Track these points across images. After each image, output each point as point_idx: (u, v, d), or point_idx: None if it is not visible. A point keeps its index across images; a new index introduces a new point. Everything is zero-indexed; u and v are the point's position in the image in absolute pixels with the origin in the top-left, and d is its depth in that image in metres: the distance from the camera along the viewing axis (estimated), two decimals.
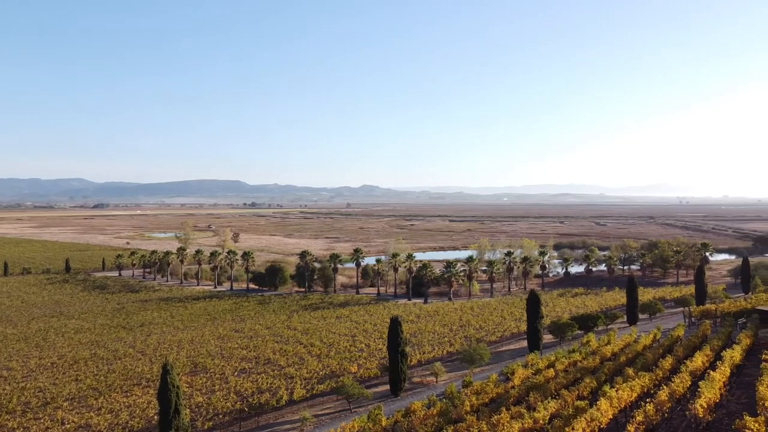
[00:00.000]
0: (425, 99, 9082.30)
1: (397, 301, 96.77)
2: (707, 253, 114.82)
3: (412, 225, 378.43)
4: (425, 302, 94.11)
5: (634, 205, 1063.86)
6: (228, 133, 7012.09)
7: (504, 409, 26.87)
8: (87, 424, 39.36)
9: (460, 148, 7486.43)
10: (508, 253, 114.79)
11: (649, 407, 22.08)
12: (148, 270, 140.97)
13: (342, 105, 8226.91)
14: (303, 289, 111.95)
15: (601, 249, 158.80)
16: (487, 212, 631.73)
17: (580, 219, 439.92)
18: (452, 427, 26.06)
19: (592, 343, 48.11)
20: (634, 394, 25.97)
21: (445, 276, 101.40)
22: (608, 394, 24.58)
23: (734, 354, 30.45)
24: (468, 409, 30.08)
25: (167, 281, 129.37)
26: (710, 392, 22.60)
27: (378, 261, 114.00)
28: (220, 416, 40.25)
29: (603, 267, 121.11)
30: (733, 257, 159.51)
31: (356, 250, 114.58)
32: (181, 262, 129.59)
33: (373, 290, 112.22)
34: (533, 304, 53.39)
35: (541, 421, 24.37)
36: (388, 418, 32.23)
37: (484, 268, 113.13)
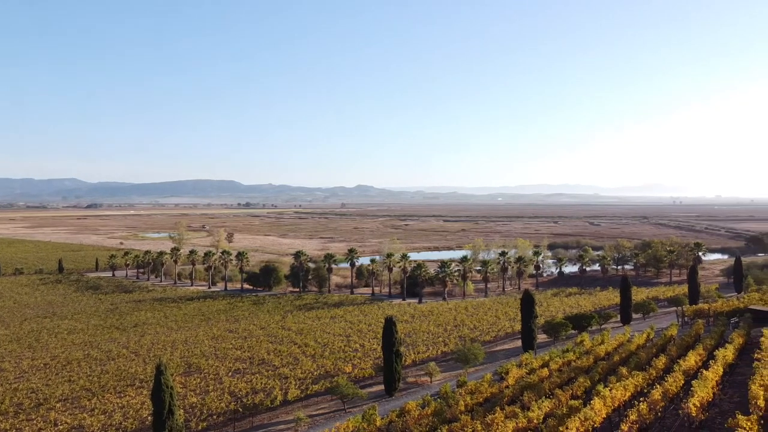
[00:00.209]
0: (421, 100, 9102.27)
1: (392, 301, 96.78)
2: (700, 253, 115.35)
3: (406, 225, 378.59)
4: (420, 302, 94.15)
5: (628, 205, 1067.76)
6: (222, 133, 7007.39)
7: (498, 409, 26.90)
8: (80, 425, 39.15)
9: (455, 149, 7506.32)
10: (503, 253, 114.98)
11: (643, 406, 22.15)
12: (141, 270, 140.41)
13: (338, 106, 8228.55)
14: (297, 290, 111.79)
15: (595, 249, 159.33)
16: (482, 212, 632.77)
17: (574, 219, 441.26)
18: (447, 427, 26.08)
19: (586, 343, 48.24)
20: (628, 394, 26.05)
21: (440, 276, 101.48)
22: (602, 393, 24.64)
23: (727, 353, 30.59)
24: (462, 408, 30.10)
25: (161, 281, 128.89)
26: (703, 391, 22.69)
27: (372, 261, 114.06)
28: (214, 417, 40.12)
29: (597, 267, 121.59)
30: (725, 257, 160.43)
31: (351, 250, 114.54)
32: (175, 262, 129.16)
33: (367, 290, 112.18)
34: (527, 303, 53.48)
35: (535, 421, 24.41)
36: (382, 418, 32.20)
37: (478, 268, 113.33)
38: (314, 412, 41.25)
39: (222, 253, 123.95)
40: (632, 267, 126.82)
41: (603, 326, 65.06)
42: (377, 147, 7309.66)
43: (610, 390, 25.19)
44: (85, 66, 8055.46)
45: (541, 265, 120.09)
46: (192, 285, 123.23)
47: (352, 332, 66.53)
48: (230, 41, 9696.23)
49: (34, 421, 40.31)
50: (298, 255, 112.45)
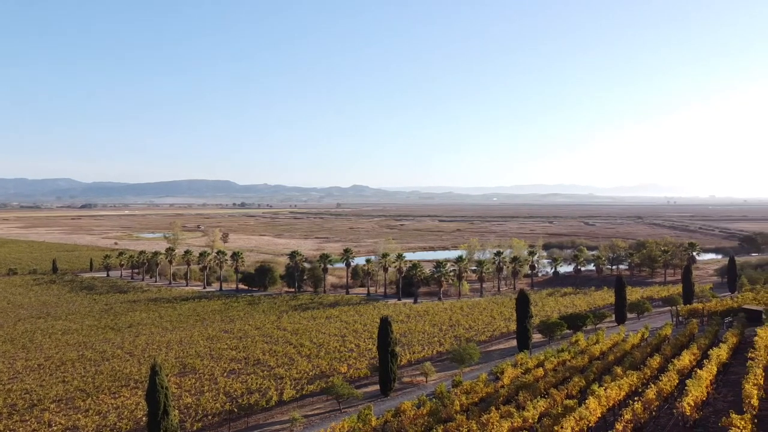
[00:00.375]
0: (417, 100, 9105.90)
1: (387, 301, 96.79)
2: (694, 253, 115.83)
3: (402, 225, 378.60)
4: (415, 302, 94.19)
5: (622, 205, 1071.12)
6: (218, 133, 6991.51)
7: (494, 409, 26.97)
8: (74, 426, 39.00)
9: (451, 149, 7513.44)
10: (498, 253, 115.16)
11: (637, 406, 22.23)
12: (136, 270, 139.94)
13: (334, 106, 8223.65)
14: (293, 290, 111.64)
15: (590, 249, 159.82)
16: (477, 212, 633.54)
17: (569, 219, 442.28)
18: (442, 427, 26.10)
19: (581, 343, 48.40)
20: (623, 393, 26.15)
21: (435, 276, 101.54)
22: (597, 392, 24.73)
23: (721, 353, 30.73)
24: (458, 408, 30.15)
25: (156, 282, 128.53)
26: (697, 390, 22.79)
27: (368, 261, 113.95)
28: (210, 417, 40.03)
29: (592, 267, 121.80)
30: (719, 257, 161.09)
31: (346, 250, 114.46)
32: (170, 262, 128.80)
33: (363, 290, 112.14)
34: (522, 303, 53.61)
35: (530, 420, 24.48)
36: (378, 418, 32.23)
37: (473, 267, 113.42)
38: (310, 413, 41.23)
39: (217, 253, 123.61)
40: (627, 267, 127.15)
41: (598, 326, 65.25)
42: (373, 147, 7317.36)
43: (605, 389, 25.29)
44: (80, 66, 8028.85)
45: (536, 265, 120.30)
46: (187, 285, 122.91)
47: (347, 332, 66.52)
48: (225, 41, 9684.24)
49: (28, 422, 40.14)
50: (293, 255, 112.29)
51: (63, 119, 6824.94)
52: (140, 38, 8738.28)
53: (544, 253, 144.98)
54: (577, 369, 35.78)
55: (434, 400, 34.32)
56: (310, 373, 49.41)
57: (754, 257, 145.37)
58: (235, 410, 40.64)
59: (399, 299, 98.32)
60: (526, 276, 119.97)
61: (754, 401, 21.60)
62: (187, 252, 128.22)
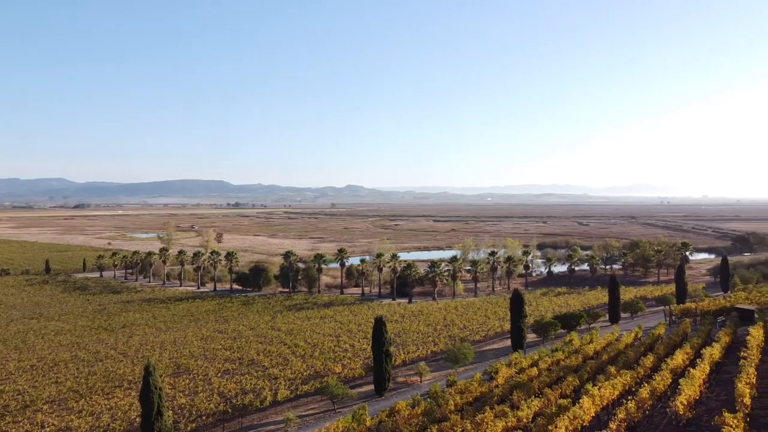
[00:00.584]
0: (413, 101, 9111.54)
1: (382, 301, 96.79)
2: (687, 253, 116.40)
3: (396, 225, 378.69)
4: (409, 302, 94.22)
5: (616, 205, 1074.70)
6: (211, 133, 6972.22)
7: (488, 408, 26.97)
8: (67, 427, 38.81)
9: (446, 149, 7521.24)
10: (492, 253, 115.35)
11: (631, 405, 22.31)
12: (129, 271, 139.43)
13: (328, 106, 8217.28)
14: (287, 290, 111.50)
15: (584, 249, 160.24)
16: (472, 212, 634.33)
17: (563, 219, 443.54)
18: (436, 427, 26.11)
19: (575, 342, 48.52)
20: (616, 392, 26.22)
21: (430, 276, 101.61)
22: (591, 392, 24.78)
23: (714, 352, 30.86)
24: (452, 408, 30.16)
25: (149, 282, 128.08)
26: (690, 389, 22.88)
27: (362, 261, 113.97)
28: (204, 418, 39.93)
29: (585, 266, 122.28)
30: (712, 256, 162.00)
31: (340, 251, 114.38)
32: (164, 262, 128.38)
33: (357, 290, 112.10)
34: (517, 303, 53.68)
35: (524, 420, 24.52)
36: (372, 418, 32.20)
37: (468, 267, 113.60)
38: (304, 413, 41.18)
39: (211, 253, 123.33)
40: (620, 266, 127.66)
41: (592, 325, 65.43)
42: (368, 147, 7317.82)
43: (598, 389, 25.35)
44: (74, 66, 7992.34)
45: (530, 265, 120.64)
46: (181, 285, 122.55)
47: (341, 332, 66.48)
48: (220, 42, 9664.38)
49: (21, 423, 39.91)
50: (287, 255, 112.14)
51: (56, 119, 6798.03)
52: (134, 39, 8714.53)
53: (539, 253, 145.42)
54: (571, 368, 35.86)
55: (429, 399, 34.32)
56: (305, 374, 49.34)
57: (747, 257, 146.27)
58: (230, 411, 40.55)
59: (393, 299, 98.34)
60: (520, 276, 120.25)
61: (747, 400, 21.71)
62: (180, 252, 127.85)
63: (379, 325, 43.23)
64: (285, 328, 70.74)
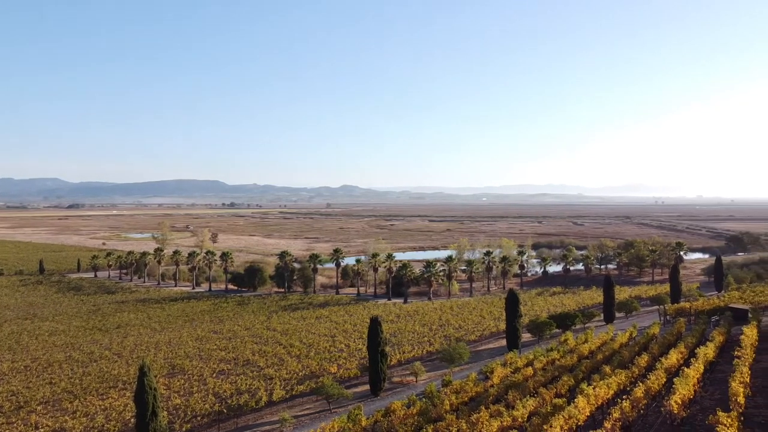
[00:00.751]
0: (408, 101, 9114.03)
1: (377, 301, 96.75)
2: (682, 253, 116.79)
3: (391, 225, 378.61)
4: (405, 302, 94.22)
5: (611, 205, 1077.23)
6: (207, 133, 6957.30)
7: (483, 408, 27.02)
8: (62, 428, 38.65)
9: (440, 149, 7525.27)
10: (487, 253, 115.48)
11: (626, 404, 22.37)
12: (124, 271, 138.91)
13: (323, 107, 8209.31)
14: (282, 290, 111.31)
15: (579, 248, 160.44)
16: (467, 212, 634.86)
17: (558, 219, 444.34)
18: (432, 426, 26.13)
19: (570, 342, 48.66)
20: (611, 392, 26.30)
21: (425, 276, 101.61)
22: (585, 391, 24.85)
23: (708, 351, 30.99)
24: (447, 408, 30.20)
25: (144, 282, 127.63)
26: (684, 389, 22.96)
27: (358, 261, 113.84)
28: (199, 418, 39.83)
29: (580, 266, 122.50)
30: (706, 256, 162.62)
31: (336, 251, 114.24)
32: (159, 262, 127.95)
33: (352, 290, 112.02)
34: (512, 303, 53.79)
35: (519, 419, 24.57)
36: (368, 418, 32.20)
37: (463, 267, 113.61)
38: (299, 413, 41.14)
39: (206, 253, 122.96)
40: (615, 266, 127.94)
41: (587, 325, 65.64)
42: (363, 148, 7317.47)
43: (593, 388, 25.42)
44: (69, 66, 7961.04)
45: (525, 265, 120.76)
46: (176, 286, 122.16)
47: (337, 332, 66.45)
48: (217, 43, 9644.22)
49: (15, 424, 39.72)
50: (283, 255, 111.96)
51: (50, 119, 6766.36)
52: (129, 39, 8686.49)
53: (534, 253, 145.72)
54: (566, 368, 35.95)
55: (424, 399, 34.35)
56: (300, 374, 49.30)
57: (741, 257, 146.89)
58: (225, 411, 40.46)
59: (389, 299, 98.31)
60: (515, 276, 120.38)
61: (741, 399, 21.81)
62: (176, 252, 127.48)
63: (375, 325, 43.23)
64: (280, 328, 70.64)
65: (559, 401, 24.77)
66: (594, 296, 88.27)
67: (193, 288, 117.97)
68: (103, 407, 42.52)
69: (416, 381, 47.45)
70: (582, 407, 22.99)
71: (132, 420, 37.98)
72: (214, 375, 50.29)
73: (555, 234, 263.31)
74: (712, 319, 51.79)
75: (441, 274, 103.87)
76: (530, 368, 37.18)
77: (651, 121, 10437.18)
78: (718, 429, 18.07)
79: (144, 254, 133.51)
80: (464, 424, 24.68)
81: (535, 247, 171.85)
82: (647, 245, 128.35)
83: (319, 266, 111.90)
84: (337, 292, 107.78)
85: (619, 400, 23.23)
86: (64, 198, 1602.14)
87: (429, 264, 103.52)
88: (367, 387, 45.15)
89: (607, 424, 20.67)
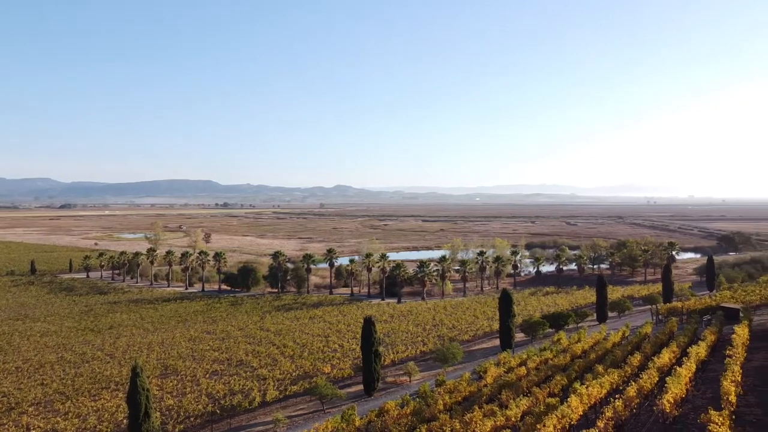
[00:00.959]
0: (403, 101, 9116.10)
1: (371, 301, 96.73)
2: (674, 252, 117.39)
3: (385, 225, 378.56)
4: (399, 302, 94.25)
5: (604, 205, 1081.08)
6: (200, 133, 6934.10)
7: (477, 408, 27.05)
8: (53, 430, 38.43)
9: (434, 149, 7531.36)
10: (481, 253, 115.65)
11: (618, 403, 22.45)
12: (117, 271, 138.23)
13: (318, 107, 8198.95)
14: (276, 290, 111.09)
15: (572, 248, 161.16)
16: (460, 212, 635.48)
17: (551, 219, 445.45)
18: (425, 426, 26.14)
19: (563, 341, 48.80)
20: (604, 391, 26.38)
21: (419, 276, 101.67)
22: (578, 391, 24.92)
23: (699, 350, 31.15)
24: (441, 407, 30.22)
25: (137, 283, 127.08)
26: (677, 388, 23.07)
27: (351, 261, 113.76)
28: (192, 419, 39.70)
29: (573, 266, 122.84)
30: (698, 256, 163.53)
31: (329, 251, 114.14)
32: (151, 263, 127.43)
33: (346, 290, 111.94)
34: (505, 303, 53.89)
35: (513, 419, 24.62)
36: (361, 418, 32.19)
37: (457, 267, 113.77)
38: (293, 413, 41.07)
39: (199, 253, 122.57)
40: (608, 266, 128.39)
41: (580, 325, 65.84)
42: (357, 148, 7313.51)
43: (586, 387, 25.49)
44: (62, 67, 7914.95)
45: (518, 265, 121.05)
46: (169, 286, 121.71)
47: (331, 332, 66.38)
48: (212, 44, 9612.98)
49: (6, 426, 39.44)
50: (276, 255, 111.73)
51: (42, 118, 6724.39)
52: (120, 39, 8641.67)
53: (527, 253, 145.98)
54: (560, 367, 36.05)
55: (418, 399, 34.37)
56: (294, 374, 49.22)
57: (732, 256, 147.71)
58: (218, 412, 40.35)
59: (383, 299, 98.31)
60: (509, 275, 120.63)
61: (732, 398, 21.94)
62: (168, 252, 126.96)
63: (368, 325, 43.22)
64: (274, 328, 70.50)
65: (552, 401, 24.84)
66: (587, 296, 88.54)
67: (186, 288, 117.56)
68: (95, 408, 42.31)
69: (410, 381, 47.47)
70: (575, 406, 23.05)
71: (124, 421, 37.80)
72: (207, 375, 50.14)
73: (548, 234, 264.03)
74: (704, 318, 52.07)
75: (434, 274, 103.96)
76: (523, 368, 37.26)
77: (643, 122, 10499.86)
78: (709, 427, 18.16)
79: (136, 254, 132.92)
80: (458, 424, 24.71)
81: (528, 247, 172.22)
82: (640, 245, 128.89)
83: (312, 266, 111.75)
84: (331, 292, 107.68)
85: (612, 400, 23.32)
86: (56, 198, 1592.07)
87: (422, 264, 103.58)
88: (360, 387, 45.13)
89: (600, 424, 20.74)
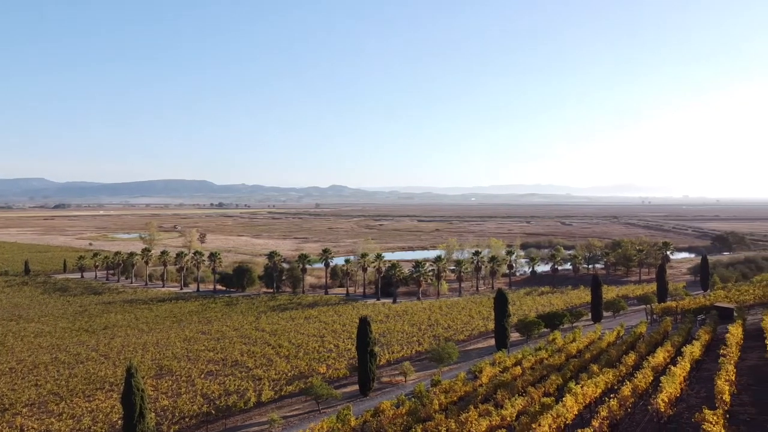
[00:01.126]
0: (398, 101, 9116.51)
1: (366, 301, 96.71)
2: (668, 252, 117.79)
3: (380, 225, 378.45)
4: (394, 302, 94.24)
5: (598, 205, 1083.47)
6: (195, 133, 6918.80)
7: (472, 408, 27.07)
8: (48, 430, 38.27)
9: (430, 149, 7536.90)
10: (476, 253, 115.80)
11: (613, 402, 22.50)
12: (111, 272, 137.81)
13: (313, 107, 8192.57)
14: (271, 290, 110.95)
15: (567, 248, 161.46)
16: (456, 212, 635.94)
17: (546, 219, 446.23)
18: (421, 426, 26.14)
19: (558, 341, 48.88)
20: (599, 390, 26.43)
21: (414, 276, 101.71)
22: (573, 390, 24.96)
23: (694, 349, 31.25)
24: (436, 407, 30.23)
25: (131, 283, 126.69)
26: (671, 387, 23.13)
27: (347, 261, 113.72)
28: (187, 419, 39.60)
29: (568, 266, 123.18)
30: (692, 256, 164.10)
31: (325, 251, 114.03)
32: (146, 263, 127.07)
33: (341, 290, 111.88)
34: (500, 302, 53.96)
35: (508, 419, 24.64)
36: (357, 418, 32.17)
37: (452, 267, 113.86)
38: (288, 413, 41.01)
39: (194, 253, 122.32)
40: (603, 266, 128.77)
41: (575, 324, 65.98)
42: (352, 147, 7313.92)
43: (581, 387, 25.54)
44: (56, 65, 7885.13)
45: (514, 265, 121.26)
46: (163, 286, 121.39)
47: (326, 333, 66.34)
48: (208, 44, 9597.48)
49: (0, 427, 39.31)
50: (271, 255, 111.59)
51: (36, 118, 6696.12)
52: (117, 40, 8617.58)
53: (522, 253, 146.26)
54: (555, 367, 36.11)
55: (413, 399, 34.36)
56: (289, 374, 49.16)
57: (726, 256, 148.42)
58: (213, 412, 40.26)
59: (378, 299, 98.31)
60: (504, 275, 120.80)
61: (726, 397, 22.02)
62: (163, 253, 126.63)
63: (364, 325, 43.19)
64: (269, 328, 70.40)
65: (547, 400, 24.88)
66: (582, 296, 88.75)
67: (181, 288, 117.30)
68: (89, 409, 42.16)
69: (405, 381, 47.47)
70: (570, 406, 23.09)
71: (119, 422, 37.68)
72: (203, 376, 50.02)
73: (543, 234, 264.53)
74: (698, 318, 52.22)
75: (430, 274, 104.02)
76: (519, 367, 37.31)
77: (639, 123, 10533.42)
78: (704, 426, 18.22)
79: (131, 255, 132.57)
80: (453, 424, 24.72)
81: (523, 246, 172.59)
82: (634, 245, 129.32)
83: (308, 266, 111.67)
84: (326, 293, 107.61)
85: (607, 399, 23.36)
86: (50, 198, 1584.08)
87: (418, 264, 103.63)
88: (356, 387, 45.10)
89: (595, 423, 20.78)
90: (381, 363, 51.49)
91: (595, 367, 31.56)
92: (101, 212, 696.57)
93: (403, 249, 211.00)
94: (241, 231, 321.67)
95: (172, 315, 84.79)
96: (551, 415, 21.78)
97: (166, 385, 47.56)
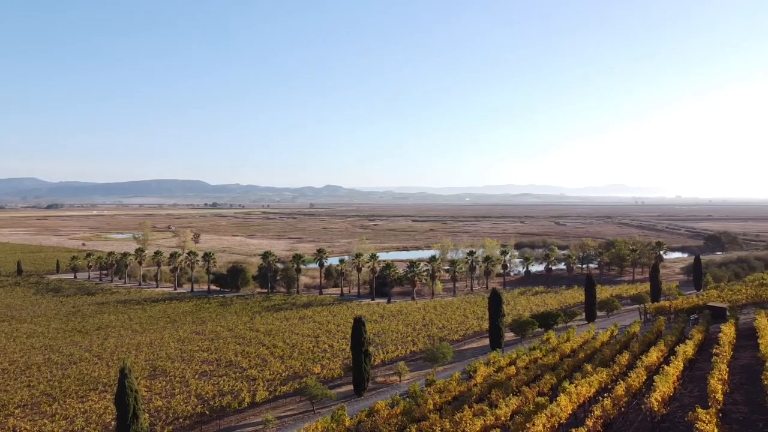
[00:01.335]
0: (393, 101, 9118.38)
1: (361, 301, 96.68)
2: (661, 252, 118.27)
3: (375, 225, 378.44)
4: (388, 302, 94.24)
5: (592, 205, 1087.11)
6: (189, 132, 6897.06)
7: (467, 407, 27.09)
8: (40, 431, 38.09)
9: (424, 149, 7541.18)
10: (471, 253, 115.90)
11: (607, 402, 22.58)
12: (104, 272, 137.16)
13: (308, 106, 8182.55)
14: (265, 290, 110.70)
15: (561, 248, 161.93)
16: (450, 212, 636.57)
17: (540, 219, 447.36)
18: (415, 426, 26.15)
19: (552, 341, 49.00)
20: (593, 390, 26.52)
21: (408, 276, 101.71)
22: (567, 389, 25.03)
23: (687, 349, 31.39)
24: (431, 407, 30.25)
25: (125, 283, 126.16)
26: (664, 386, 23.22)
27: (341, 261, 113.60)
28: (181, 420, 39.48)
29: (562, 266, 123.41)
30: (685, 255, 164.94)
31: (319, 251, 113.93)
32: (140, 263, 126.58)
33: (336, 291, 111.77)
34: (495, 302, 54.06)
35: (502, 418, 24.68)
36: (351, 418, 32.16)
37: (446, 267, 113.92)
38: (283, 414, 40.96)
39: (188, 253, 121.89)
40: (597, 266, 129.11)
41: (568, 324, 66.16)
42: (347, 148, 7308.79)
43: (575, 386, 25.61)
44: (48, 64, 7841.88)
45: (508, 265, 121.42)
46: (157, 286, 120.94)
47: (320, 333, 66.28)
48: (205, 44, 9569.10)
49: None
50: (266, 255, 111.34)
51: (29, 117, 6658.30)
52: (110, 42, 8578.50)
53: (516, 253, 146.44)
54: (549, 367, 36.20)
55: (408, 399, 34.38)
56: (284, 374, 49.09)
57: (719, 256, 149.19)
58: (207, 413, 40.16)
59: (372, 299, 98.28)
60: (498, 275, 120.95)
61: (719, 396, 22.13)
62: (157, 253, 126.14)
63: (358, 325, 43.19)
64: (263, 328, 70.26)
65: (541, 400, 24.92)
66: (576, 295, 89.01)
67: (175, 289, 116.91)
68: (82, 410, 41.96)
69: (400, 381, 47.50)
70: (564, 405, 23.15)
71: (112, 423, 37.52)
72: (197, 376, 49.88)
73: (537, 234, 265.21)
74: (691, 317, 52.52)
75: (424, 273, 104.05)
76: (513, 367, 37.39)
77: (632, 123, 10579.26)
78: (697, 425, 18.30)
79: (125, 255, 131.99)
80: (448, 424, 24.73)
81: (517, 246, 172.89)
82: (628, 245, 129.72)
83: (302, 266, 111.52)
84: (321, 293, 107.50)
85: (601, 398, 23.44)
86: (43, 198, 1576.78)
87: (412, 264, 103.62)
88: (350, 387, 45.09)
89: (589, 422, 20.85)
90: (375, 363, 51.50)
91: (588, 367, 31.66)
92: (94, 212, 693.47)
93: (397, 249, 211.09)
94: (235, 231, 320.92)
95: (165, 315, 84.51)
96: (545, 414, 21.84)
97: (159, 385, 47.39)
